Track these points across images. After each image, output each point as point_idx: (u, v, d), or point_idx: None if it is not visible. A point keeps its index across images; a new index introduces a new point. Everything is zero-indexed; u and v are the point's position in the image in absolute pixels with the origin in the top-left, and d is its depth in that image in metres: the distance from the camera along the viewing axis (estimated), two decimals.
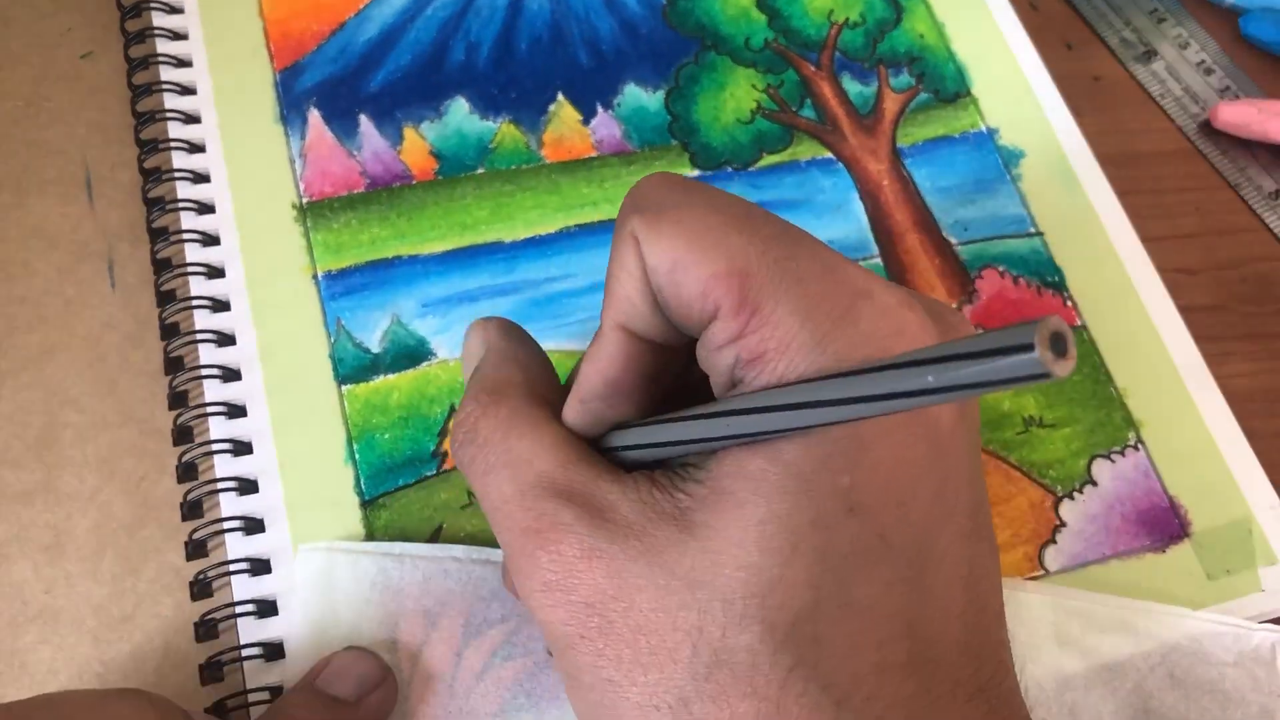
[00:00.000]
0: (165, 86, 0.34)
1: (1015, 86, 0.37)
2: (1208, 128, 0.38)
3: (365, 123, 0.34)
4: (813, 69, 0.37)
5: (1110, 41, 0.39)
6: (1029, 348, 0.11)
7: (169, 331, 0.31)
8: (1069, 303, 0.33)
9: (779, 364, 0.18)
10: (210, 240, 0.32)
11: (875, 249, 0.34)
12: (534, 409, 0.22)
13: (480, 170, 0.34)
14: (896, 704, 0.17)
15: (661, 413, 0.20)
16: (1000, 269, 0.34)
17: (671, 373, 0.22)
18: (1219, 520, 0.31)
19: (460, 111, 0.35)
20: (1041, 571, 0.30)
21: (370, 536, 0.29)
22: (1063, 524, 0.30)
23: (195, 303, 0.31)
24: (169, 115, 0.34)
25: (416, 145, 0.34)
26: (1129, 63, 0.39)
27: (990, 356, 0.12)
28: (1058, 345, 0.11)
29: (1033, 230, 0.34)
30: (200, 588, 0.28)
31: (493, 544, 0.29)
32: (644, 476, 0.20)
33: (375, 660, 0.27)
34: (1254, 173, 0.37)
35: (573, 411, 0.22)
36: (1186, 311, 0.33)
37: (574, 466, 0.20)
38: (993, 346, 0.12)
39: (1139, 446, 0.31)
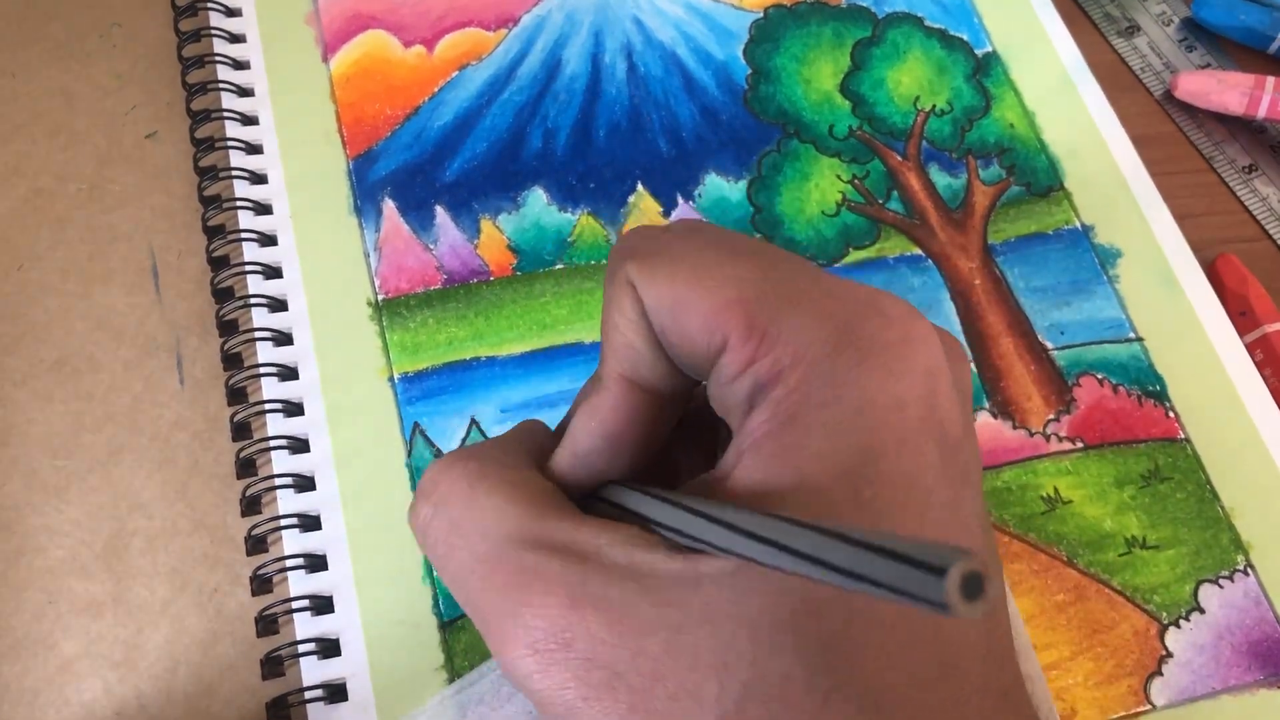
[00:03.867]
0: (235, 173, 0.33)
1: (1110, 181, 0.35)
2: None
3: (441, 214, 0.33)
4: (899, 159, 0.35)
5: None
6: (941, 572, 0.11)
7: (240, 432, 0.30)
8: (1171, 413, 0.32)
9: (793, 378, 0.17)
10: (283, 339, 0.31)
11: (968, 353, 0.32)
12: (504, 459, 0.20)
13: (559, 265, 0.33)
14: (931, 710, 0.17)
15: (655, 466, 0.20)
16: (1099, 376, 0.32)
17: (668, 424, 0.21)
18: None
19: (538, 202, 0.34)
20: (1148, 707, 0.28)
21: (449, 660, 0.28)
22: (1169, 654, 0.29)
23: (267, 406, 0.30)
24: (239, 204, 0.33)
25: (494, 239, 0.33)
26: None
27: (902, 561, 0.12)
28: (971, 586, 0.11)
29: (1132, 335, 0.33)
30: (276, 711, 0.27)
31: None
32: (634, 525, 0.19)
33: None
34: None
35: (565, 463, 0.21)
36: None
37: (551, 517, 0.19)
38: (909, 554, 0.12)
39: (1248, 571, 0.30)
